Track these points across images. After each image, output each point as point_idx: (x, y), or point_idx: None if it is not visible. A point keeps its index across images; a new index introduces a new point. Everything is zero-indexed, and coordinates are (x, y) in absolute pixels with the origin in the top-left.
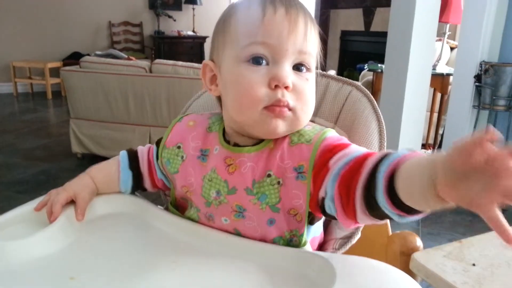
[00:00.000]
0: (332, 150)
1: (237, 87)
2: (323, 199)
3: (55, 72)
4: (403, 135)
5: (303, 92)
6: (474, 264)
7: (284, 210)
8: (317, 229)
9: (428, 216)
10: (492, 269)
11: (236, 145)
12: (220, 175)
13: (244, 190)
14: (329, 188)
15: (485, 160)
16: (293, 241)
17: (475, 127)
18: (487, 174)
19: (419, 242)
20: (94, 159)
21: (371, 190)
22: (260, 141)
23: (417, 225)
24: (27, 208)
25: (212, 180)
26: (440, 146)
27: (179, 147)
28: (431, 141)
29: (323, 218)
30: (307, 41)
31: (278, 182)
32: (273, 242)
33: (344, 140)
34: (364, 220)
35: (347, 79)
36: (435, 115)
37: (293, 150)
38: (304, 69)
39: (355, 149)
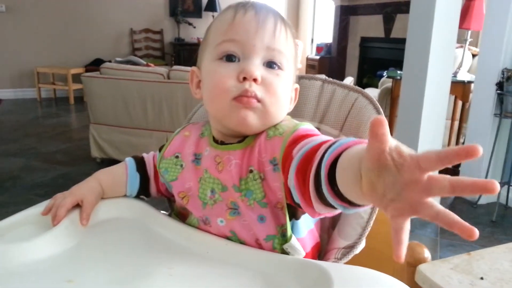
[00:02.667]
0: (298, 140)
1: (209, 81)
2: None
3: (77, 78)
4: (422, 143)
5: (272, 85)
6: (482, 278)
7: (271, 204)
8: (309, 222)
9: None
10: (502, 284)
11: (222, 143)
12: (212, 174)
13: (232, 187)
14: (290, 177)
15: (392, 160)
16: (285, 236)
17: (496, 135)
18: (397, 181)
19: (427, 253)
20: (112, 163)
21: (319, 179)
22: (244, 138)
23: (436, 236)
24: (33, 211)
25: (206, 180)
26: None
27: (177, 157)
28: None
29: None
30: (275, 38)
31: (260, 177)
32: (267, 241)
33: (316, 131)
34: (319, 209)
35: (353, 86)
36: (456, 123)
37: (269, 144)
38: (276, 67)
39: (317, 138)
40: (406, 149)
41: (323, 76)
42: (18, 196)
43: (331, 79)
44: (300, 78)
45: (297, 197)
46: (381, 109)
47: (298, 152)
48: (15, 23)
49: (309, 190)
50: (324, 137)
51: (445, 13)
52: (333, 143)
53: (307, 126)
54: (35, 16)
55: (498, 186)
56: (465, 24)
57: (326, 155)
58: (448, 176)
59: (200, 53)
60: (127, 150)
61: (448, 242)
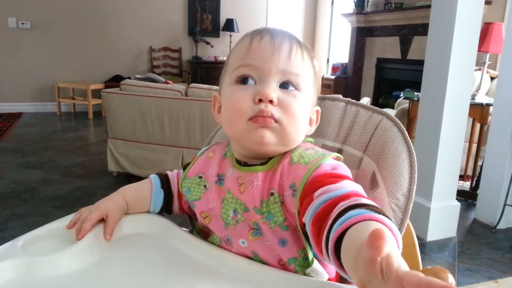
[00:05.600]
0: (322, 181)
1: (227, 104)
2: (304, 224)
3: (97, 94)
4: (440, 166)
5: (289, 106)
6: None
7: (292, 227)
8: None
9: (466, 251)
10: None
11: (245, 164)
12: (234, 194)
13: (253, 209)
14: (307, 220)
15: (381, 270)
16: (308, 259)
17: None
18: None
19: (451, 279)
20: (129, 178)
21: (328, 243)
22: (267, 161)
23: (453, 260)
24: (58, 225)
25: (229, 201)
26: (479, 178)
27: (200, 177)
28: (469, 172)
29: None
30: (291, 62)
31: (280, 200)
32: (289, 264)
33: (339, 170)
34: (330, 263)
35: (377, 107)
36: (474, 145)
37: (291, 169)
38: (292, 88)
39: (339, 186)
40: (395, 260)
41: (345, 97)
42: (36, 208)
43: (354, 100)
44: (323, 99)
45: (311, 240)
46: (405, 131)
47: (317, 199)
48: (38, 39)
49: (321, 245)
50: (346, 185)
51: (464, 36)
52: (346, 208)
53: (331, 162)
54: (58, 33)
55: None
56: (484, 47)
57: (334, 226)
58: None
59: (220, 80)
60: (143, 165)
61: (465, 267)
